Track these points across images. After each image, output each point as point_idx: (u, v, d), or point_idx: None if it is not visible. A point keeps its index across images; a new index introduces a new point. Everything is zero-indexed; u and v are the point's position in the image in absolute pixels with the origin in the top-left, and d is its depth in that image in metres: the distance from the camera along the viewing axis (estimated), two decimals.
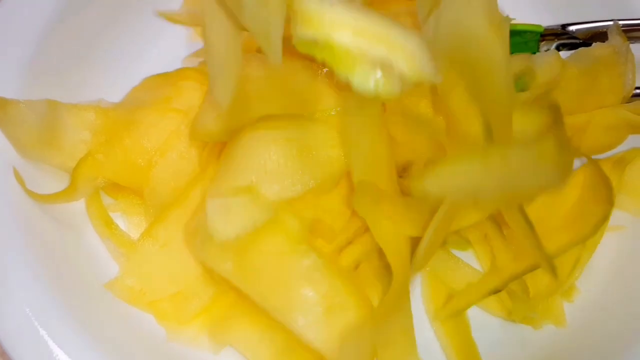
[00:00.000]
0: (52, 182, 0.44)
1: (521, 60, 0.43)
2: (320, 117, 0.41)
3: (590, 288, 0.46)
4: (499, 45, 0.37)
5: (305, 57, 0.35)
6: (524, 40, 0.48)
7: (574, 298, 0.45)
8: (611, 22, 0.47)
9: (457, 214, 0.39)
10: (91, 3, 0.49)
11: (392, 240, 0.39)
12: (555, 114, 0.38)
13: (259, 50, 0.43)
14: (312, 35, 0.32)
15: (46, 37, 0.45)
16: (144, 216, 0.45)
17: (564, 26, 0.49)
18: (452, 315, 0.42)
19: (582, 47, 0.47)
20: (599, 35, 0.47)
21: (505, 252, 0.42)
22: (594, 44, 0.46)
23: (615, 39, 0.46)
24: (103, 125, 0.44)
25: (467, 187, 0.35)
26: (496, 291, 0.42)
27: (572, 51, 0.47)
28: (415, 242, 0.39)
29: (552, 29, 0.49)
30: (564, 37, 0.49)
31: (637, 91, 0.46)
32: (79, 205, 0.45)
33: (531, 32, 0.47)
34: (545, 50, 0.49)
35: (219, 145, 0.43)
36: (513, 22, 0.45)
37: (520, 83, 0.43)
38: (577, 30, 0.49)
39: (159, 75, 0.47)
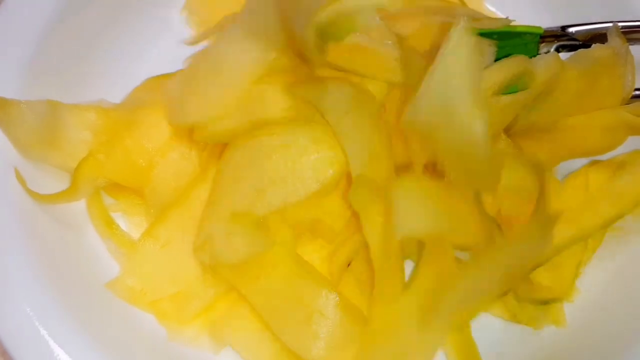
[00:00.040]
0: (53, 182, 0.44)
1: (520, 62, 0.43)
2: (318, 119, 0.41)
3: (590, 288, 0.46)
4: (480, 122, 0.37)
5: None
6: (524, 41, 0.47)
7: (574, 298, 0.46)
8: (610, 24, 0.47)
9: None
10: (92, 3, 0.49)
11: (381, 240, 0.39)
12: (539, 174, 0.40)
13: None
14: None
15: (47, 37, 0.45)
16: (144, 216, 0.46)
17: (564, 28, 0.49)
18: (458, 327, 0.42)
19: (582, 49, 0.47)
20: (599, 37, 0.47)
21: None
22: (593, 45, 0.46)
23: (614, 41, 0.46)
24: (104, 125, 0.44)
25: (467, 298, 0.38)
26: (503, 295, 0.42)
27: (572, 53, 0.47)
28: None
29: (552, 31, 0.49)
30: (564, 39, 0.49)
31: (637, 92, 0.46)
32: (79, 206, 0.45)
33: (531, 33, 0.47)
34: (545, 52, 0.49)
35: (219, 146, 0.43)
36: (513, 23, 0.46)
37: (520, 84, 0.43)
38: (576, 31, 0.49)
39: (160, 75, 0.47)
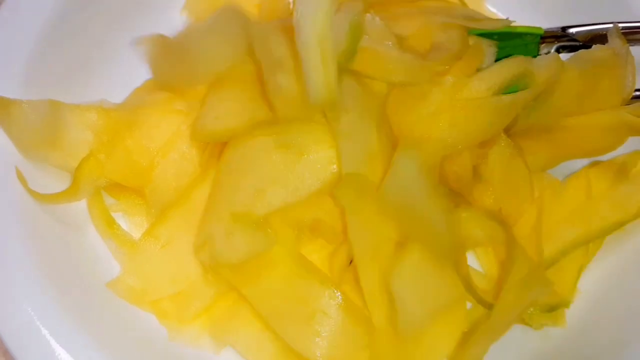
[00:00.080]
0: (54, 182, 0.44)
1: (520, 62, 0.43)
2: (319, 118, 0.41)
3: (590, 288, 0.46)
4: (440, 212, 0.39)
5: None
6: (524, 42, 0.48)
7: (574, 299, 0.46)
8: (611, 25, 0.47)
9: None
10: (93, 4, 0.49)
11: (364, 239, 0.39)
12: (508, 234, 0.42)
13: None
14: None
15: (48, 38, 0.46)
16: (145, 216, 0.46)
17: (564, 28, 0.49)
18: None
19: (582, 50, 0.47)
20: (599, 38, 0.47)
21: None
22: (593, 46, 0.47)
23: (615, 42, 0.46)
24: (105, 125, 0.44)
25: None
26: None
27: (572, 53, 0.47)
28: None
29: (552, 31, 0.49)
30: (564, 40, 0.49)
31: (637, 93, 0.46)
32: (80, 205, 0.45)
33: (531, 34, 0.48)
34: (545, 53, 0.49)
35: (219, 146, 0.43)
36: (513, 24, 0.46)
37: (521, 84, 0.43)
38: (577, 32, 0.49)
39: None
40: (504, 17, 0.54)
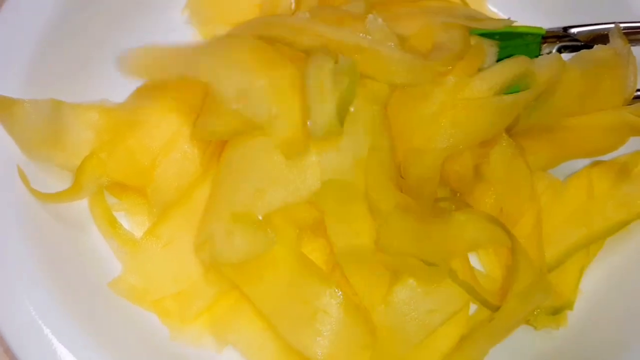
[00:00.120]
0: (56, 181, 0.44)
1: (522, 62, 0.43)
2: None
3: (590, 288, 0.46)
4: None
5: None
6: (526, 42, 0.48)
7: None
8: (612, 25, 0.47)
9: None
10: (94, 4, 0.49)
11: (345, 242, 0.40)
12: (512, 240, 0.42)
13: None
14: None
15: (50, 37, 0.46)
16: (147, 215, 0.46)
17: (566, 28, 0.49)
18: None
19: (584, 50, 0.47)
20: (601, 38, 0.47)
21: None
22: (595, 46, 0.47)
23: (616, 42, 0.46)
24: (107, 124, 0.44)
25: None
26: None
27: (574, 53, 0.47)
28: None
29: (554, 31, 0.49)
30: (566, 40, 0.49)
31: (639, 93, 0.46)
32: (82, 205, 0.45)
33: (533, 34, 0.48)
34: (547, 53, 0.49)
35: (221, 145, 0.43)
36: (514, 24, 0.46)
37: (522, 84, 0.43)
38: (578, 32, 0.49)
39: None
40: (505, 17, 0.54)
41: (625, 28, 0.47)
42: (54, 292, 0.39)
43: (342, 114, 0.38)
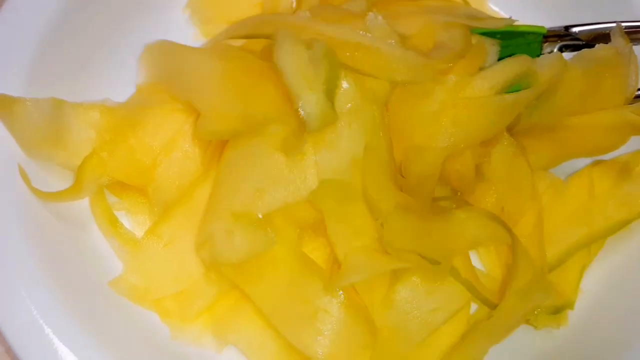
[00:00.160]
0: (57, 181, 0.44)
1: (523, 61, 0.43)
2: None
3: (591, 288, 0.46)
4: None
5: None
6: (527, 41, 0.48)
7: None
8: (614, 24, 0.47)
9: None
10: (94, 4, 0.49)
11: (345, 240, 0.40)
12: (512, 238, 0.42)
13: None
14: None
15: (51, 36, 0.45)
16: (148, 215, 0.46)
17: (567, 27, 0.49)
18: None
19: (585, 49, 0.47)
20: (602, 37, 0.48)
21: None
22: (596, 45, 0.47)
23: (618, 41, 0.46)
24: (108, 124, 0.44)
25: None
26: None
27: (575, 52, 0.47)
28: None
29: (555, 31, 0.49)
30: (567, 39, 0.49)
31: None
32: (83, 204, 0.45)
33: (534, 33, 0.48)
34: (548, 52, 0.49)
35: (222, 145, 0.43)
36: (516, 23, 0.46)
37: (523, 83, 0.43)
38: (580, 31, 0.49)
39: None
40: (506, 16, 0.54)
41: (626, 27, 0.47)
42: (55, 291, 0.39)
43: (332, 100, 0.39)
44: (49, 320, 0.38)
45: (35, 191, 0.42)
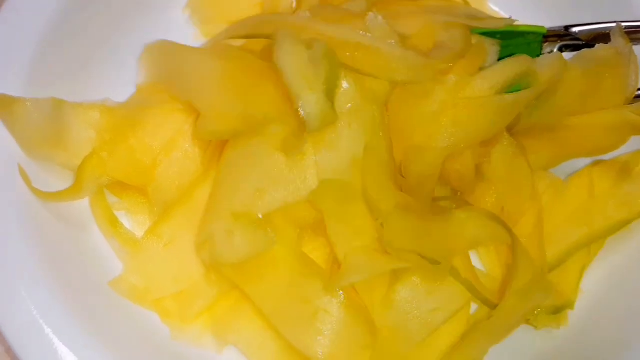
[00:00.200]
0: (57, 181, 0.44)
1: (523, 61, 0.43)
2: None
3: (591, 288, 0.46)
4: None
5: None
6: (527, 41, 0.48)
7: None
8: (614, 24, 0.47)
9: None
10: (94, 4, 0.49)
11: (345, 240, 0.40)
12: (512, 237, 0.42)
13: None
14: None
15: (51, 37, 0.45)
16: (148, 215, 0.46)
17: (567, 27, 0.49)
18: None
19: (585, 49, 0.47)
20: (602, 37, 0.48)
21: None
22: (596, 45, 0.47)
23: (618, 41, 0.46)
24: (108, 124, 0.44)
25: None
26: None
27: (575, 52, 0.47)
28: None
29: (555, 31, 0.49)
30: (567, 39, 0.49)
31: None
32: (83, 204, 0.45)
33: (534, 33, 0.48)
34: (548, 52, 0.49)
35: (222, 145, 0.43)
36: (516, 23, 0.46)
37: (523, 83, 0.43)
38: (580, 31, 0.49)
39: None
40: (506, 16, 0.54)
41: (626, 27, 0.47)
42: (55, 291, 0.39)
43: (332, 100, 0.39)
44: (49, 321, 0.38)
45: (36, 191, 0.42)
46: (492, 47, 0.44)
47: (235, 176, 0.41)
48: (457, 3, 0.51)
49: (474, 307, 0.44)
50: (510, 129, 0.45)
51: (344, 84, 0.40)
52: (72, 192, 0.43)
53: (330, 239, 0.40)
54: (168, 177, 0.44)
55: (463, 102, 0.42)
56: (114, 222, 0.44)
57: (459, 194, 0.46)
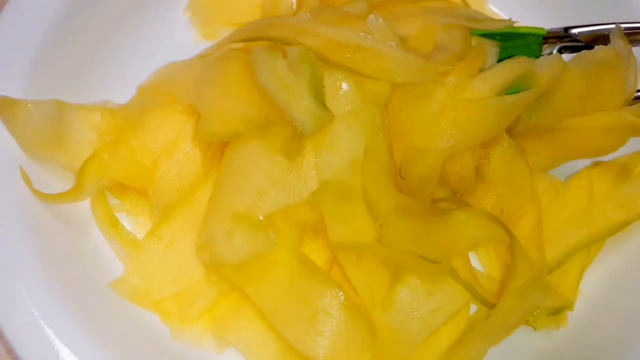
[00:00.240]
0: (58, 182, 0.44)
1: (523, 63, 0.43)
2: None
3: (590, 289, 0.46)
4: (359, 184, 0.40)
5: None
6: (526, 43, 0.48)
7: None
8: (613, 25, 0.47)
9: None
10: (96, 5, 0.49)
11: (345, 239, 0.40)
12: (511, 238, 0.42)
13: None
14: None
15: (53, 39, 0.46)
16: (148, 216, 0.46)
17: (567, 29, 0.49)
18: None
19: (585, 50, 0.47)
20: (601, 38, 0.48)
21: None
22: (596, 46, 0.47)
23: (617, 42, 0.46)
24: (109, 125, 0.44)
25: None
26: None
27: (575, 54, 0.47)
28: None
29: (555, 32, 0.49)
30: (567, 40, 0.49)
31: (639, 94, 0.46)
32: (84, 205, 0.45)
33: (534, 34, 0.48)
34: (548, 53, 0.49)
35: (222, 146, 0.43)
36: (515, 24, 0.46)
37: (523, 84, 0.43)
38: (579, 33, 0.49)
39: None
40: (506, 17, 0.54)
41: (626, 28, 0.47)
42: (55, 292, 0.39)
43: (322, 100, 0.39)
44: (49, 321, 0.38)
45: (37, 193, 0.42)
46: (491, 49, 0.44)
47: (236, 178, 0.41)
48: (457, 4, 0.51)
49: (473, 308, 0.44)
50: (510, 131, 0.45)
51: (344, 86, 0.41)
52: (73, 194, 0.43)
53: (330, 239, 0.40)
54: (169, 179, 0.45)
55: (463, 103, 0.42)
56: (114, 224, 0.44)
57: (458, 195, 0.46)
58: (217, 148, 0.44)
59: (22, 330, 0.38)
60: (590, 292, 0.46)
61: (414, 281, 0.41)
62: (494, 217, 0.43)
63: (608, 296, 0.46)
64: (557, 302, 0.44)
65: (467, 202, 0.45)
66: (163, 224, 0.43)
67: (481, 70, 0.43)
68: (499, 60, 0.44)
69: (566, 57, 0.46)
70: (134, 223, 0.46)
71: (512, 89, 0.43)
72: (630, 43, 0.46)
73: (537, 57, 0.45)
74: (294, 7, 0.52)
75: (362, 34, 0.42)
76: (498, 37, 0.45)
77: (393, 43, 0.42)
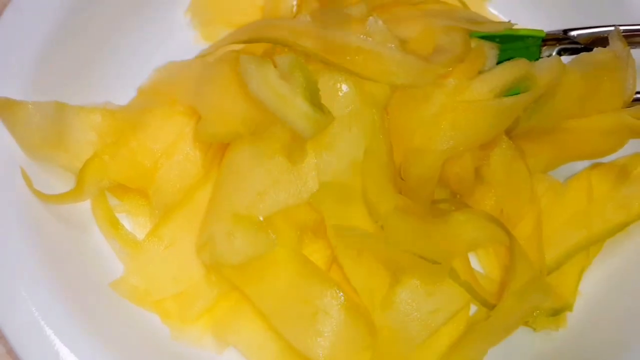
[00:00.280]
0: (58, 183, 0.44)
1: (522, 65, 0.43)
2: None
3: (590, 290, 0.46)
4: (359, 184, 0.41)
5: None
6: (526, 45, 0.48)
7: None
8: (612, 28, 0.47)
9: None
10: (97, 6, 0.49)
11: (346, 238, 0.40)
12: (511, 238, 0.43)
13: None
14: None
15: (54, 40, 0.46)
16: (149, 217, 0.46)
17: (566, 31, 0.49)
18: None
19: (584, 52, 0.47)
20: (600, 41, 0.48)
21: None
22: (595, 49, 0.47)
23: (616, 44, 0.46)
24: (109, 126, 0.44)
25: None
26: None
27: (574, 56, 0.47)
28: None
29: (554, 34, 0.49)
30: (566, 42, 0.49)
31: (638, 96, 0.46)
32: (85, 206, 0.45)
33: (533, 37, 0.48)
34: (547, 55, 0.49)
35: (222, 147, 0.43)
36: (515, 26, 0.46)
37: (522, 87, 0.43)
38: (578, 35, 0.49)
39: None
40: (505, 19, 0.55)
41: (624, 31, 0.47)
42: (55, 292, 0.39)
43: (318, 103, 0.39)
44: (49, 321, 0.38)
45: (37, 193, 0.42)
46: (491, 51, 0.44)
47: (236, 178, 0.41)
48: (456, 7, 0.52)
49: (473, 308, 0.44)
50: (509, 132, 0.45)
51: (344, 87, 0.41)
52: (74, 194, 0.43)
53: (330, 240, 0.40)
54: (169, 180, 0.45)
55: (462, 105, 0.42)
56: (115, 224, 0.44)
57: (458, 196, 0.46)
58: (217, 149, 0.44)
59: (22, 330, 0.38)
60: (589, 293, 0.46)
61: (414, 282, 0.41)
62: (493, 218, 0.43)
63: (607, 297, 0.46)
64: (556, 303, 0.44)
65: (467, 203, 0.46)
66: (163, 224, 0.43)
67: (480, 72, 0.43)
68: (499, 63, 0.44)
69: (565, 59, 0.46)
70: (134, 223, 0.46)
71: (511, 91, 0.43)
72: (629, 45, 0.46)
73: (537, 59, 0.45)
74: (294, 9, 0.52)
75: (362, 36, 0.42)
76: (497, 40, 0.45)
77: (393, 45, 0.42)
